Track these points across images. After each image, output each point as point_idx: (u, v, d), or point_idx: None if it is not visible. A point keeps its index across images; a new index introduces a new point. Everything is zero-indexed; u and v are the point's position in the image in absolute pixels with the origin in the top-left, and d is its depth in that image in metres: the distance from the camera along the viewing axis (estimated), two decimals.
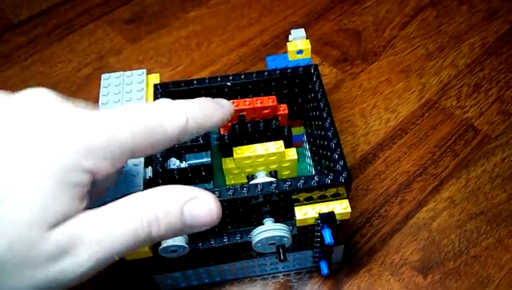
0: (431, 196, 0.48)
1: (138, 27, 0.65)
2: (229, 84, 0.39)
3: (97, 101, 0.40)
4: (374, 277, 0.43)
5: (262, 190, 0.33)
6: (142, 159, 0.37)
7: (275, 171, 0.39)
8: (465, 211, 0.47)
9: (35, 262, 0.22)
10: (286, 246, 0.36)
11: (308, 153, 0.45)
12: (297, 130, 0.46)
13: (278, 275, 0.43)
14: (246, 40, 0.63)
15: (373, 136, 0.53)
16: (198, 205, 0.28)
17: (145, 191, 0.27)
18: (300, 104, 0.43)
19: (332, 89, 0.57)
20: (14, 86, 0.59)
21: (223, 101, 0.33)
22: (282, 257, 0.35)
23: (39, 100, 0.26)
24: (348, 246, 0.45)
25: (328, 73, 0.59)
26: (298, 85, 0.41)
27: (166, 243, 0.33)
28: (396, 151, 0.52)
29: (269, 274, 0.43)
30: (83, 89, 0.59)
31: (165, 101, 0.29)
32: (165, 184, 0.28)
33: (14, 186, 0.22)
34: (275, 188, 0.33)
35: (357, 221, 0.47)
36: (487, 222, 0.46)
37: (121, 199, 0.26)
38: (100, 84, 0.42)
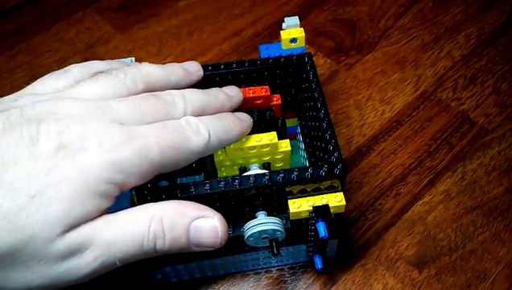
0: (427, 189, 0.47)
1: (128, 16, 0.63)
2: (220, 72, 0.38)
3: None
4: (369, 272, 0.42)
5: (254, 182, 0.32)
6: None
7: (268, 164, 0.38)
8: (461, 205, 0.46)
9: (47, 258, 0.24)
10: (280, 240, 0.35)
11: (302, 145, 0.44)
12: (291, 122, 0.45)
13: (272, 269, 0.42)
14: (239, 30, 0.61)
15: (368, 128, 0.52)
16: (204, 225, 0.28)
17: (158, 203, 0.28)
18: (294, 94, 0.42)
19: (327, 80, 0.56)
20: None
21: (242, 115, 0.34)
22: (275, 251, 0.34)
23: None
24: (343, 241, 0.44)
25: (323, 64, 0.58)
26: (291, 75, 0.40)
27: None
28: (391, 144, 0.51)
29: (262, 268, 0.42)
30: None
31: (189, 118, 0.30)
32: (154, 177, 0.28)
33: (47, 186, 0.23)
34: (268, 180, 0.32)
35: (352, 215, 0.46)
36: (483, 216, 0.45)
37: (134, 208, 0.27)
38: None
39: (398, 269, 0.42)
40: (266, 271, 0.42)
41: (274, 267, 0.42)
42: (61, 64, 0.58)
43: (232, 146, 0.35)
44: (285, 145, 0.37)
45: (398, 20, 0.62)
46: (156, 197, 0.31)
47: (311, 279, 0.42)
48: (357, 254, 0.43)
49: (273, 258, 0.40)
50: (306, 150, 0.42)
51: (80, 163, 0.25)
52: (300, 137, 0.45)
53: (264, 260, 0.41)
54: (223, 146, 0.32)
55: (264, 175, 0.32)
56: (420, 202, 0.46)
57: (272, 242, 0.34)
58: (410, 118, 0.53)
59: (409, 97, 0.54)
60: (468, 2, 0.63)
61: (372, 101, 0.54)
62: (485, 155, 0.49)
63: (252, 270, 0.42)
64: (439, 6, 0.63)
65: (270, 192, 0.33)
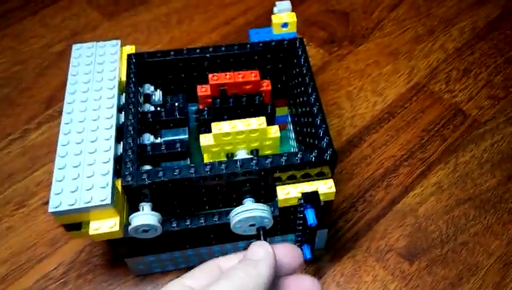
0: (418, 181, 0.46)
1: (117, 3, 0.62)
2: (208, 56, 0.37)
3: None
4: (359, 263, 0.41)
5: (241, 166, 0.31)
6: (114, 133, 0.34)
7: (257, 150, 0.36)
8: (453, 197, 0.45)
9: None
10: (267, 228, 0.34)
11: (292, 135, 0.43)
12: (281, 111, 0.44)
13: None
14: (229, 19, 0.60)
15: (359, 119, 0.51)
16: None
17: None
18: (285, 81, 0.41)
19: (318, 71, 0.55)
20: None
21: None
22: (262, 239, 0.33)
23: None
24: (332, 232, 0.43)
25: (315, 54, 0.56)
26: (282, 60, 0.39)
27: (136, 222, 0.30)
28: (383, 135, 0.50)
29: None
30: (55, 65, 0.55)
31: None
32: (138, 161, 0.28)
33: None
34: (256, 164, 0.31)
35: (341, 207, 0.45)
36: (475, 208, 0.44)
37: None
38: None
39: (388, 261, 0.41)
40: None
41: None
42: (46, 49, 0.57)
43: (219, 131, 0.34)
44: (274, 131, 0.36)
45: (392, 11, 0.61)
46: (140, 181, 0.30)
47: (300, 271, 0.41)
48: (347, 245, 0.42)
49: None
50: (296, 139, 0.41)
51: None
52: (291, 126, 0.44)
53: None
54: None
55: (252, 159, 0.31)
56: (412, 194, 0.46)
57: (259, 230, 0.33)
58: (402, 109, 0.52)
59: (401, 89, 0.54)
60: None
61: (364, 92, 0.53)
62: (478, 148, 0.49)
63: None
64: None
65: (258, 178, 0.32)
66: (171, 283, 0.27)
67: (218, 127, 0.34)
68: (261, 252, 0.27)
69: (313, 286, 0.29)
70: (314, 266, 0.41)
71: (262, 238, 0.33)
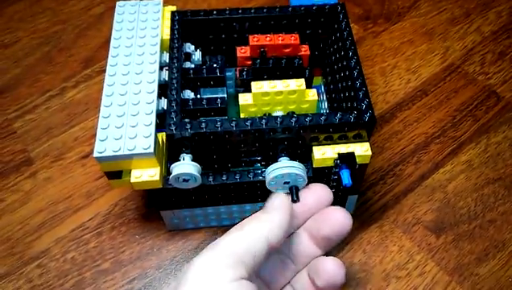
0: (449, 158, 0.46)
1: None
2: (250, 16, 0.37)
3: (109, 38, 0.38)
4: (385, 233, 0.42)
5: (281, 123, 0.31)
6: (156, 88, 0.35)
7: (293, 113, 0.37)
8: (483, 175, 0.45)
9: None
10: (300, 187, 0.34)
11: (325, 104, 0.43)
12: (315, 81, 0.44)
13: None
14: None
15: (392, 96, 0.51)
16: None
17: None
18: (322, 48, 0.41)
19: None
20: (22, 20, 0.57)
21: None
22: (294, 198, 0.33)
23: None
24: (360, 202, 0.43)
25: None
26: (323, 25, 0.39)
27: (178, 170, 0.31)
28: (415, 112, 0.50)
29: None
30: (94, 27, 0.56)
31: None
32: (180, 114, 0.30)
33: None
34: (295, 122, 0.31)
35: (371, 178, 0.45)
36: (505, 188, 0.44)
37: None
38: (113, 16, 0.40)
39: (415, 233, 0.42)
40: None
41: None
42: (85, 11, 0.58)
43: (258, 90, 0.34)
44: (312, 94, 0.36)
45: None
46: (183, 130, 0.31)
47: None
48: (374, 215, 0.43)
49: None
50: (329, 108, 0.42)
51: None
52: (324, 96, 0.44)
53: None
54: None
55: (292, 116, 0.31)
56: (441, 170, 0.46)
57: (292, 189, 0.34)
58: (435, 88, 0.52)
59: (436, 68, 0.53)
60: None
61: (397, 69, 0.53)
62: (510, 129, 0.48)
63: None
64: None
65: (296, 137, 0.32)
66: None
67: (258, 86, 0.35)
68: (276, 201, 0.30)
69: (345, 219, 0.31)
70: None
71: (294, 196, 0.33)
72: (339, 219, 0.30)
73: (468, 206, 0.43)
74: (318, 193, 0.32)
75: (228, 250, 0.27)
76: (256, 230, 0.28)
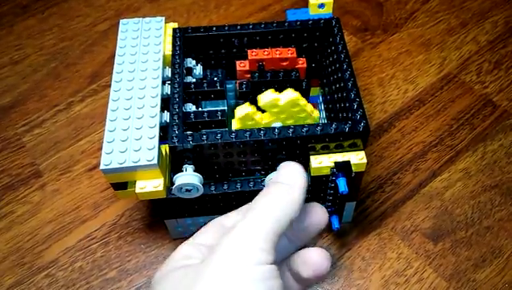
0: (446, 166, 0.47)
1: None
2: (248, 32, 0.39)
3: (114, 54, 0.39)
4: (384, 241, 0.43)
5: (279, 134, 0.32)
6: (159, 102, 0.36)
7: None
8: (480, 183, 0.46)
9: None
10: None
11: (323, 114, 0.44)
12: (313, 92, 0.46)
13: None
14: (266, 5, 0.62)
15: (390, 105, 0.52)
16: None
17: None
18: (318, 60, 0.42)
19: (351, 58, 0.56)
20: (31, 37, 0.59)
21: None
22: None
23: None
24: (359, 210, 0.44)
25: (348, 42, 0.58)
26: (318, 39, 0.40)
27: (181, 181, 0.32)
28: (413, 121, 0.51)
29: None
30: (99, 43, 0.58)
31: None
32: (182, 127, 0.31)
33: None
34: (292, 132, 0.33)
35: (369, 187, 0.46)
36: (501, 195, 0.45)
37: None
38: (117, 33, 0.41)
39: (413, 240, 0.43)
40: None
41: None
42: (91, 28, 0.60)
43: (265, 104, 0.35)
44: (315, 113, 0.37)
45: (426, 3, 0.62)
46: (185, 142, 0.32)
47: (326, 244, 0.42)
48: (373, 223, 0.44)
49: None
50: (327, 118, 0.43)
51: None
52: (322, 106, 0.45)
53: None
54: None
55: (289, 127, 0.33)
56: (439, 178, 0.47)
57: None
58: (433, 97, 0.53)
59: (433, 78, 0.55)
60: None
61: (395, 79, 0.55)
62: (507, 138, 0.49)
63: None
64: None
65: (293, 147, 0.34)
66: (184, 243, 0.28)
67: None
68: (294, 176, 0.28)
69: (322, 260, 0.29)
70: (340, 240, 0.43)
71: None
72: (317, 261, 0.29)
73: (466, 213, 0.44)
74: (315, 212, 0.31)
75: (261, 231, 0.25)
76: (283, 211, 0.26)
